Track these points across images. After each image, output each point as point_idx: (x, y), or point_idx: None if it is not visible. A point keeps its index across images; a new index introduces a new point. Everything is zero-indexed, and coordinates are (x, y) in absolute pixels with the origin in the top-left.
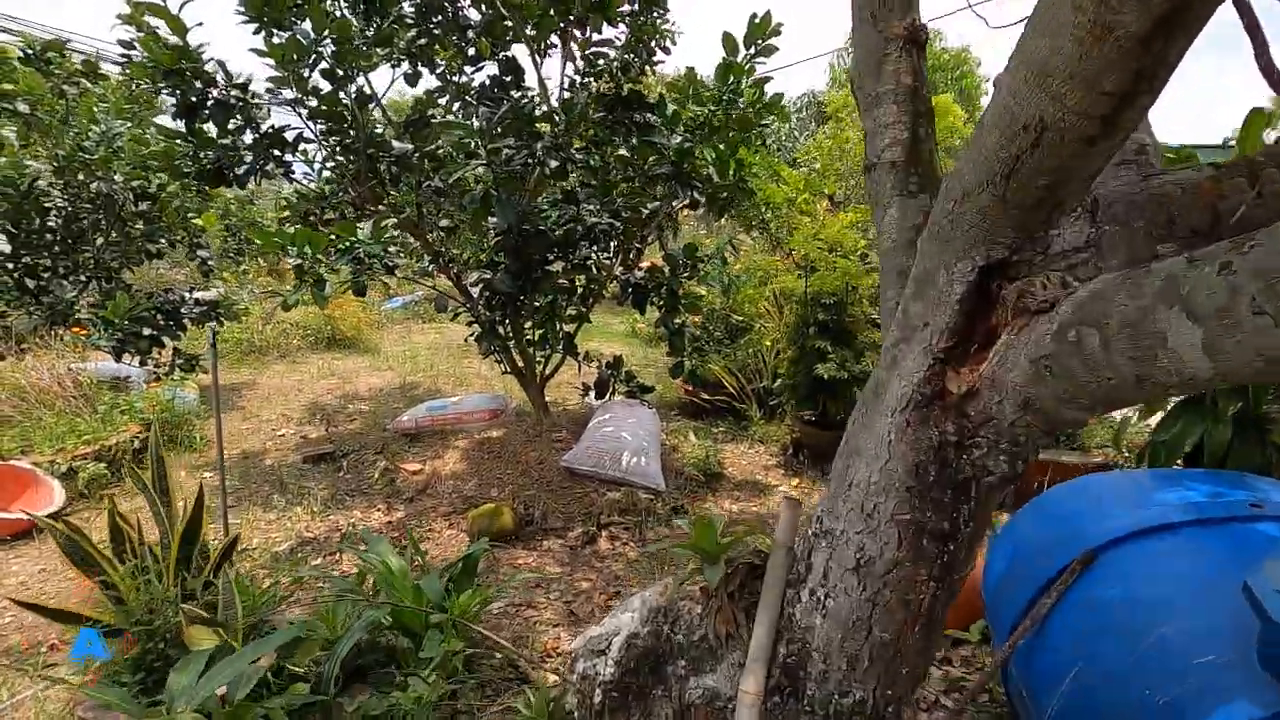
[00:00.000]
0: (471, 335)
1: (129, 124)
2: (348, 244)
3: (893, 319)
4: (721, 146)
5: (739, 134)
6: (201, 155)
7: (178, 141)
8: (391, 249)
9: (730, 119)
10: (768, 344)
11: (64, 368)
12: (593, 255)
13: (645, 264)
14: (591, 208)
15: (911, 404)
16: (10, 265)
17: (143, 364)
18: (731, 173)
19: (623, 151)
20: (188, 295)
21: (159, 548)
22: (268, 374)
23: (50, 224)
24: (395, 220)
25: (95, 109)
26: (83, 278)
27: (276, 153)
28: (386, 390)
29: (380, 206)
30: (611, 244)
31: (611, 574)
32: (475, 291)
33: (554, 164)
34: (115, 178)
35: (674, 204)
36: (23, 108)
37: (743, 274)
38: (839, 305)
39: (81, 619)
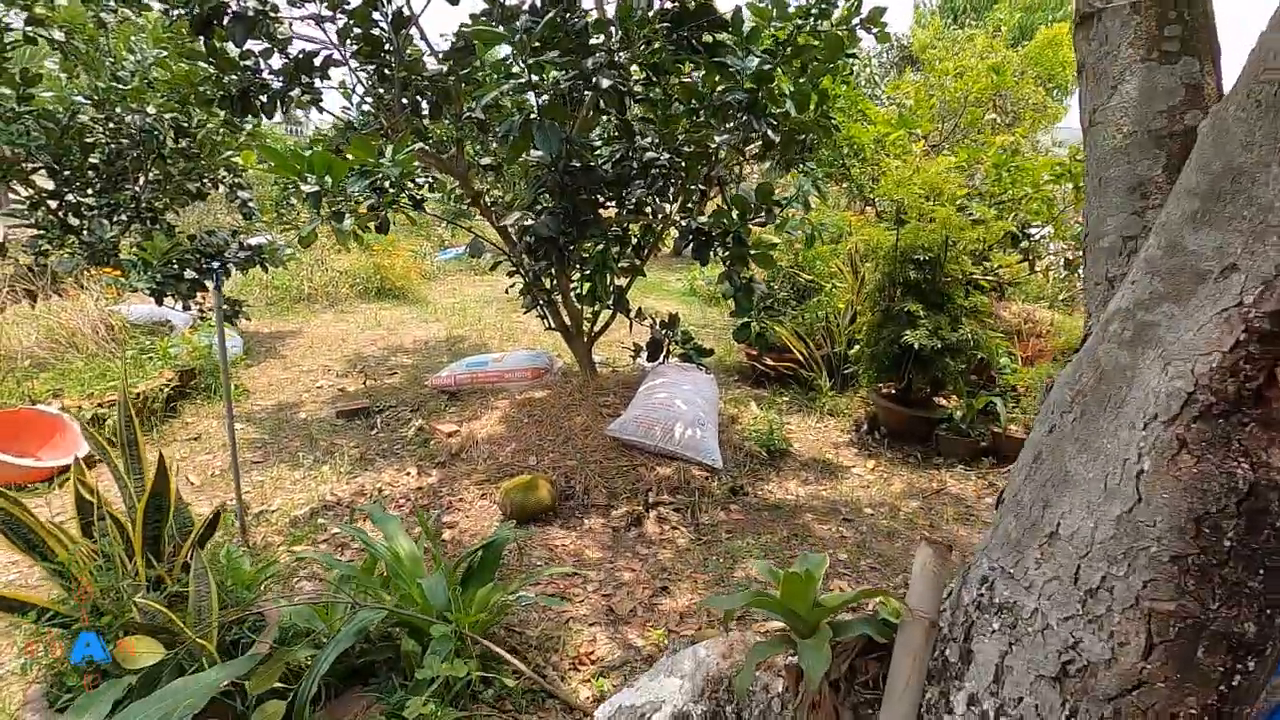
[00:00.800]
0: (511, 286)
1: (165, 53)
2: (365, 168)
3: (1115, 261)
4: (802, 80)
5: (825, 61)
6: (224, 79)
7: (199, 64)
8: (419, 180)
9: (819, 37)
10: (841, 306)
11: (98, 310)
12: (650, 198)
13: (708, 212)
14: (648, 141)
15: (1192, 411)
16: (53, 203)
17: (186, 309)
18: (813, 107)
19: (687, 79)
20: (230, 238)
21: (131, 524)
22: (314, 323)
23: (93, 160)
24: (423, 146)
25: (132, 38)
26: (124, 217)
27: (305, 79)
28: (432, 343)
29: (418, 140)
30: (670, 187)
31: (658, 564)
32: (518, 237)
33: (607, 83)
34: (148, 109)
35: (744, 145)
36: (58, 35)
37: (825, 224)
38: (934, 263)
39: (25, 606)
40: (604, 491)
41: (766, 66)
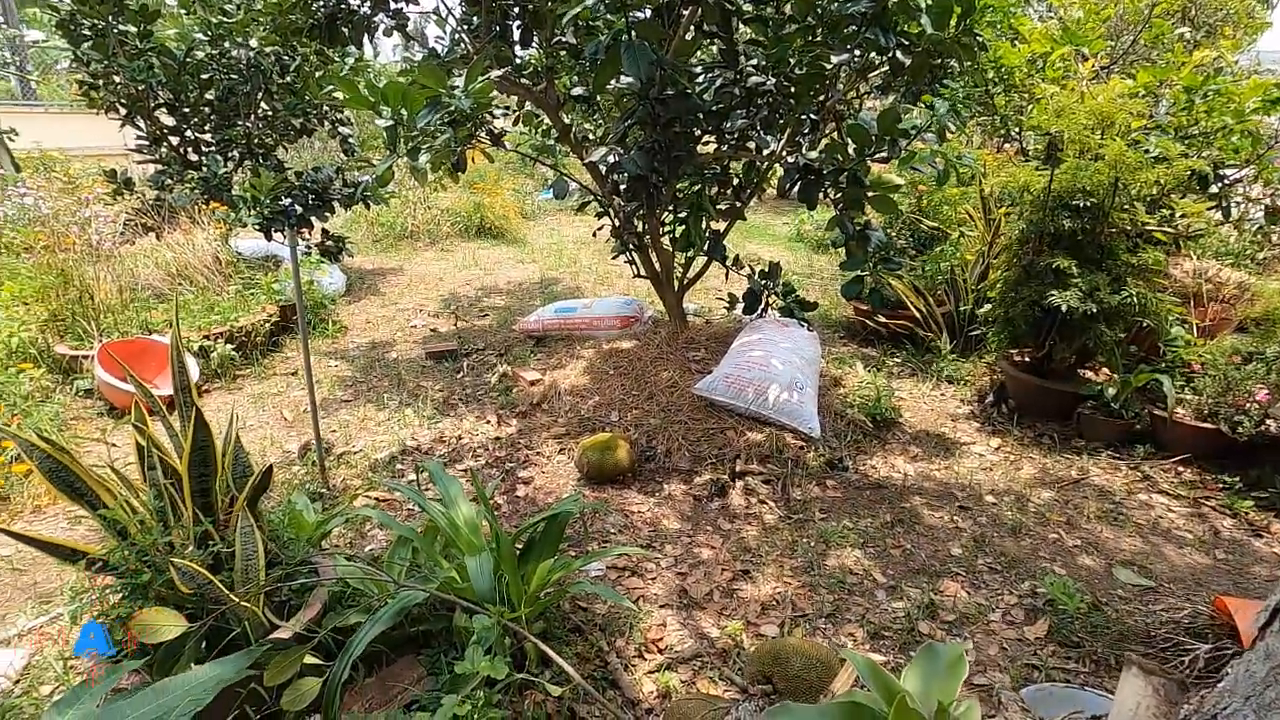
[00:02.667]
0: (601, 229)
1: None
2: (436, 97)
3: None
4: None
5: None
6: (313, 5)
7: None
8: (498, 111)
9: None
10: (969, 258)
11: (209, 245)
12: (754, 130)
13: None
14: (754, 64)
15: None
16: (174, 139)
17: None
18: (955, 22)
19: None
20: (334, 175)
21: (189, 475)
22: (415, 260)
23: (208, 97)
24: (508, 74)
25: None
26: (235, 154)
27: (391, 3)
28: (526, 285)
29: (508, 70)
30: (778, 117)
31: (742, 542)
32: (606, 175)
33: None
34: (251, 43)
35: (867, 68)
36: None
37: (964, 155)
38: (1095, 210)
39: (73, 553)
40: (687, 455)
41: None
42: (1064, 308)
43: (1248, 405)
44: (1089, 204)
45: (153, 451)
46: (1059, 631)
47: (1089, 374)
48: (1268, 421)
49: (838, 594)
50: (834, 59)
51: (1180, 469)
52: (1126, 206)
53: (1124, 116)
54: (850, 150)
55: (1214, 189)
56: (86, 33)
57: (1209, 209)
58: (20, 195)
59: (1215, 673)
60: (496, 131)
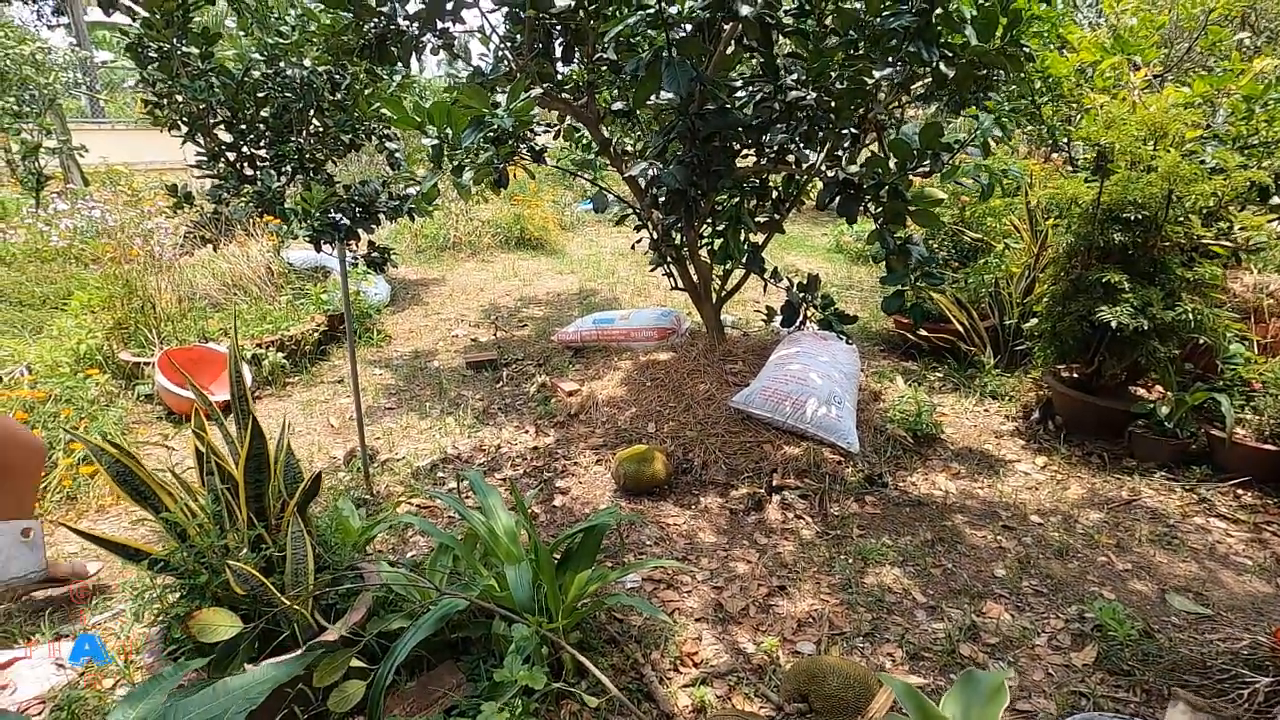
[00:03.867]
0: (638, 242)
1: (320, 5)
2: (479, 116)
3: None
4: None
5: None
6: (363, 26)
7: (341, 13)
8: (539, 127)
9: None
10: (1014, 270)
11: (262, 256)
12: (793, 144)
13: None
14: (794, 79)
15: None
16: (231, 155)
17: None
18: (1000, 33)
19: (847, 4)
20: (381, 189)
21: (244, 481)
22: (458, 271)
23: (264, 114)
24: (550, 89)
25: None
26: (288, 168)
27: (438, 23)
28: (565, 296)
29: (549, 86)
30: (819, 130)
31: (778, 558)
32: (646, 189)
33: (747, 10)
34: (305, 63)
35: (910, 81)
36: None
37: (1008, 168)
38: (1148, 223)
39: (136, 553)
40: (724, 468)
41: None
42: (1114, 324)
43: None
44: (1141, 217)
45: (211, 458)
46: (1108, 658)
47: (1141, 391)
48: None
49: (876, 613)
50: (876, 74)
51: (1240, 492)
52: (1181, 219)
53: (1178, 127)
54: (891, 164)
55: (1276, 200)
56: (153, 55)
57: (1271, 221)
58: (89, 209)
59: (1274, 707)
60: (538, 148)
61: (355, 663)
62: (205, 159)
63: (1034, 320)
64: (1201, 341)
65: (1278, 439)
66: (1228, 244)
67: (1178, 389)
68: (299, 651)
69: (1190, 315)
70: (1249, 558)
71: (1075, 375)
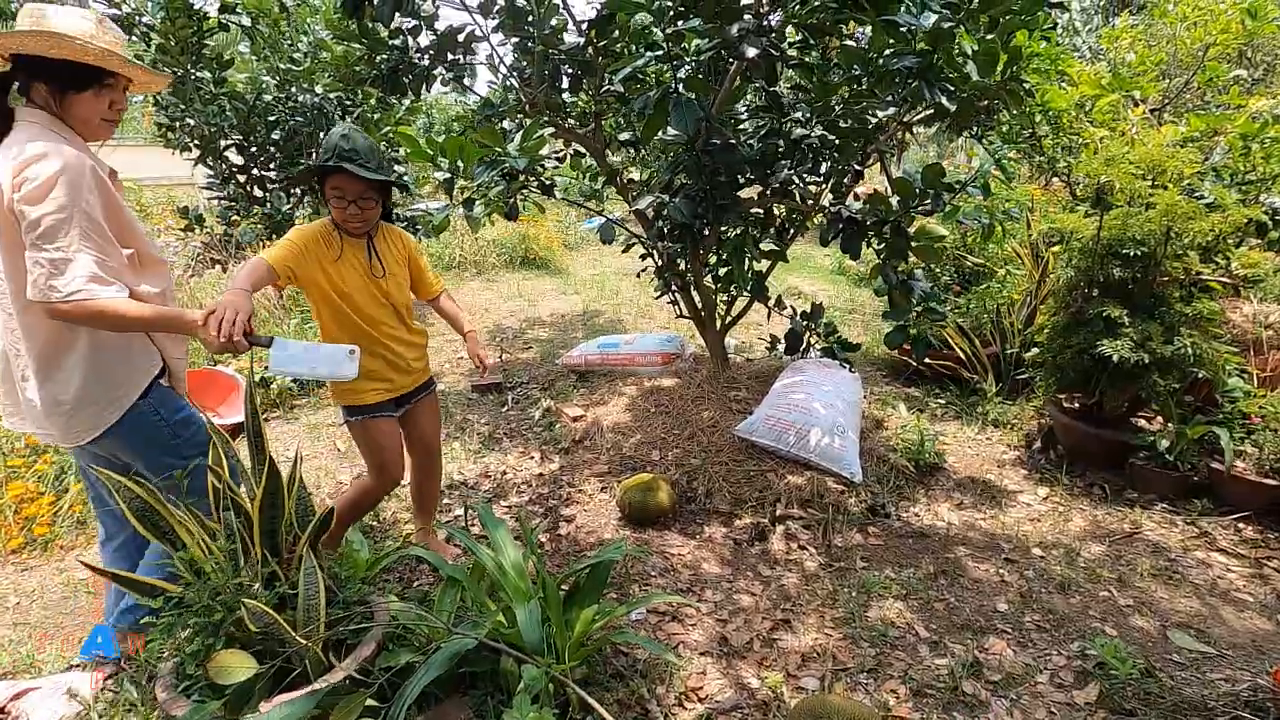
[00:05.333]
0: (645, 270)
1: (332, 36)
2: (493, 155)
3: None
4: (989, 37)
5: (1021, 13)
6: (376, 59)
7: (353, 45)
8: (549, 163)
9: None
10: (1015, 298)
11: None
12: (796, 179)
13: (864, 190)
14: (800, 116)
15: None
16: (242, 177)
17: None
18: (1000, 69)
19: (850, 41)
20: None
21: (259, 517)
22: (463, 291)
23: (274, 137)
24: (553, 130)
25: (307, 21)
26: (297, 191)
27: (450, 56)
28: (569, 317)
29: (556, 115)
30: (822, 165)
31: (782, 590)
32: (652, 220)
33: (753, 52)
34: (316, 89)
35: (912, 114)
36: (245, 21)
37: (1010, 207)
38: (1147, 259)
39: (155, 591)
40: (728, 497)
41: (947, 24)
42: (1115, 356)
43: None
44: (1140, 252)
45: (226, 495)
46: (1110, 698)
47: (1142, 422)
48: None
49: (880, 647)
50: (879, 113)
51: (1241, 526)
52: (1179, 255)
53: (1176, 164)
54: (894, 202)
55: (1274, 235)
56: None
57: (1268, 251)
58: None
59: None
60: (548, 182)
61: (369, 701)
62: (216, 181)
63: (1035, 350)
64: (1201, 375)
65: (1277, 473)
66: (1226, 280)
67: (1178, 421)
68: (309, 689)
69: (1190, 349)
70: (1250, 594)
71: (1077, 405)
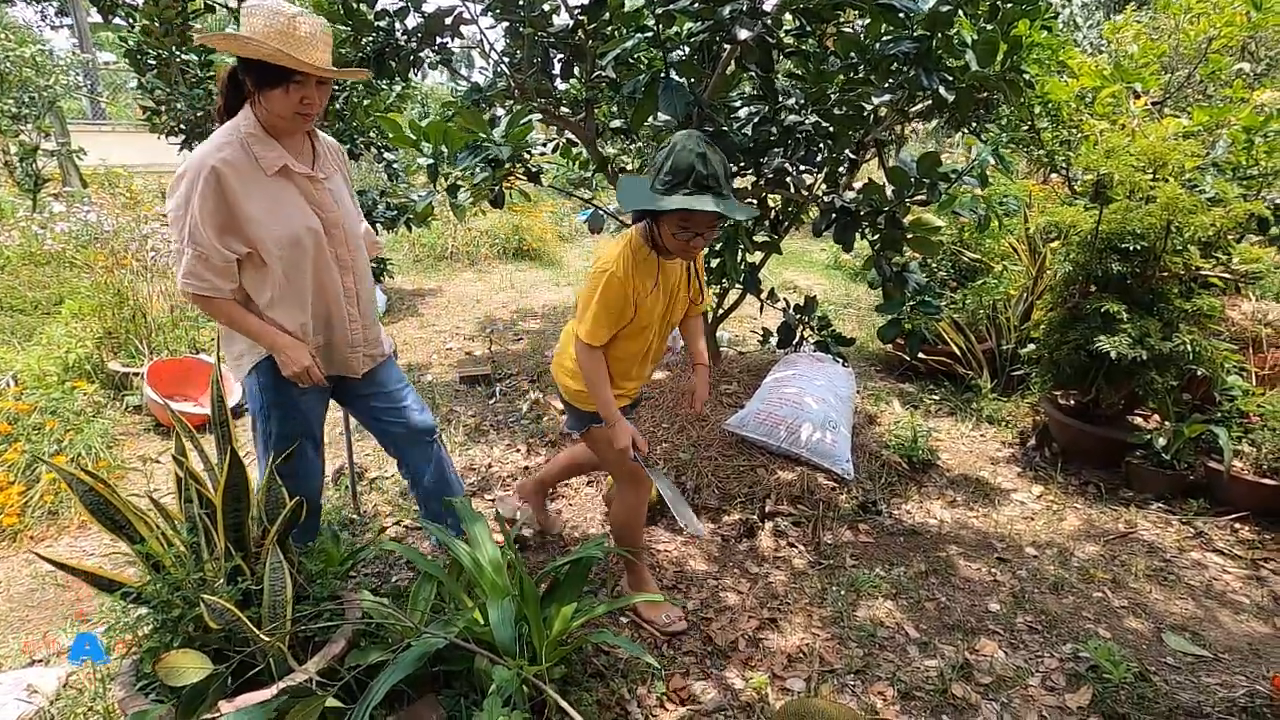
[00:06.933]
0: None
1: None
2: (476, 141)
3: None
4: (990, 26)
5: (1021, 2)
6: (362, 40)
7: (339, 26)
8: (536, 150)
9: None
10: (1012, 293)
11: None
12: (789, 167)
13: (858, 183)
14: (793, 103)
15: None
16: None
17: None
18: (1000, 59)
19: (847, 27)
20: (378, 198)
21: (223, 510)
22: (454, 282)
23: None
24: (548, 105)
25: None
26: None
27: (437, 39)
28: (560, 309)
29: (547, 102)
30: (817, 155)
31: (768, 588)
32: None
33: (745, 35)
34: None
35: (909, 104)
36: (232, 3)
37: (1008, 198)
38: (1147, 254)
39: (110, 583)
40: (717, 492)
41: (945, 8)
42: (1113, 353)
43: None
44: (1139, 247)
45: (190, 485)
46: (1103, 702)
47: (1139, 420)
48: None
49: (868, 648)
50: (875, 100)
51: (1238, 526)
52: (1179, 250)
53: (1178, 157)
54: (889, 192)
55: (1275, 230)
56: (151, 62)
57: (1269, 247)
58: (85, 212)
59: None
60: (534, 169)
61: (331, 702)
62: None
63: (1031, 346)
64: (1200, 372)
65: (1276, 473)
66: (1226, 276)
67: (1175, 420)
68: (269, 694)
69: (1188, 346)
70: (1246, 595)
71: (1073, 403)
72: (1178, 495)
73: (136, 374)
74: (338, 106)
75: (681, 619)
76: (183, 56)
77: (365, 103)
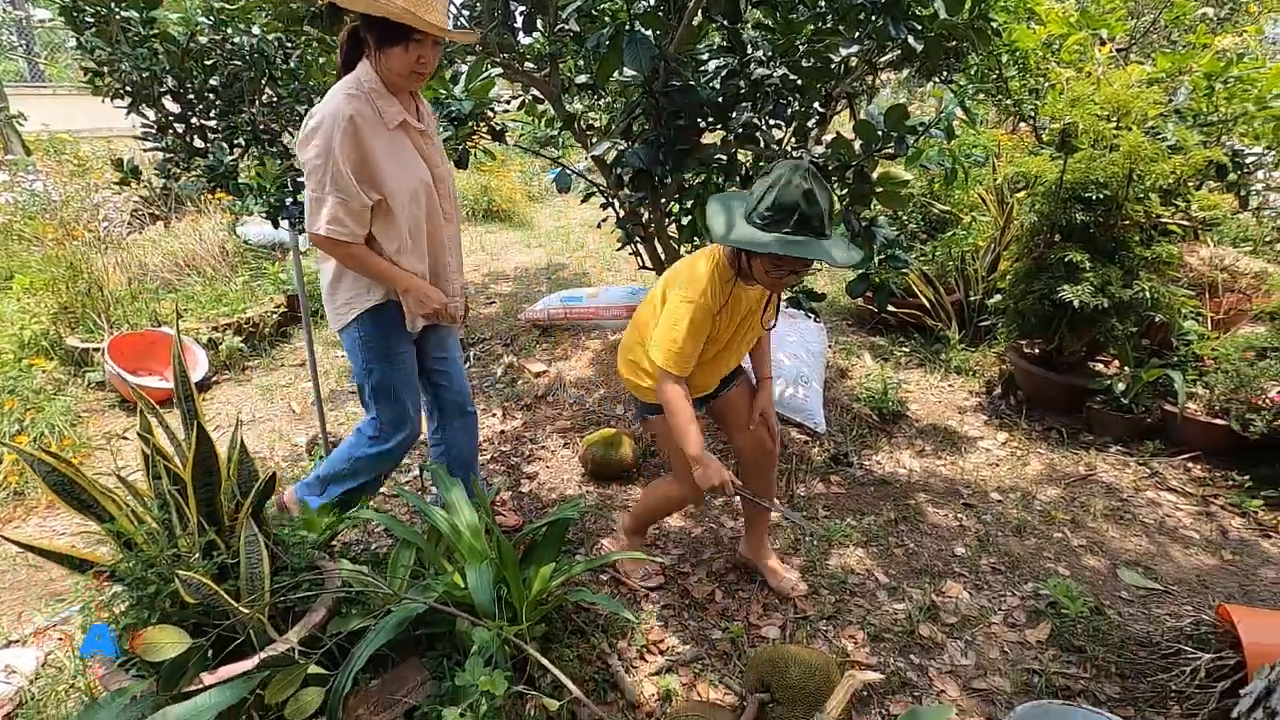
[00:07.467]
0: (605, 220)
1: None
2: (436, 98)
3: None
4: None
5: None
6: None
7: None
8: (499, 107)
9: None
10: (980, 244)
11: (215, 234)
12: (758, 121)
13: (828, 136)
14: (761, 55)
15: None
16: (179, 126)
17: (300, 232)
18: (969, 6)
19: None
20: None
21: (193, 485)
22: None
23: (212, 83)
24: (511, 60)
25: None
26: (241, 141)
27: None
28: (533, 270)
29: (509, 57)
30: (787, 109)
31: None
32: (611, 167)
33: None
34: (254, 29)
35: (879, 55)
36: None
37: (975, 150)
38: (1109, 203)
39: (81, 562)
40: None
41: None
42: (1076, 302)
43: (1260, 403)
44: (1103, 196)
45: (158, 461)
46: (1060, 635)
47: (1100, 366)
48: None
49: (839, 595)
50: (843, 50)
51: (1190, 465)
52: (1141, 198)
53: (1141, 105)
54: (857, 146)
55: (1232, 177)
56: (89, 19)
57: (1230, 194)
58: (30, 181)
59: (1216, 683)
60: (499, 127)
61: (314, 668)
62: (153, 131)
63: (998, 297)
64: (1158, 318)
65: (1227, 414)
66: (1185, 222)
67: (1134, 365)
68: (249, 664)
69: (1147, 293)
70: (1196, 531)
71: (1037, 351)
72: (1135, 438)
73: (97, 349)
74: (291, 65)
75: (659, 574)
76: (122, 13)
77: (321, 60)
